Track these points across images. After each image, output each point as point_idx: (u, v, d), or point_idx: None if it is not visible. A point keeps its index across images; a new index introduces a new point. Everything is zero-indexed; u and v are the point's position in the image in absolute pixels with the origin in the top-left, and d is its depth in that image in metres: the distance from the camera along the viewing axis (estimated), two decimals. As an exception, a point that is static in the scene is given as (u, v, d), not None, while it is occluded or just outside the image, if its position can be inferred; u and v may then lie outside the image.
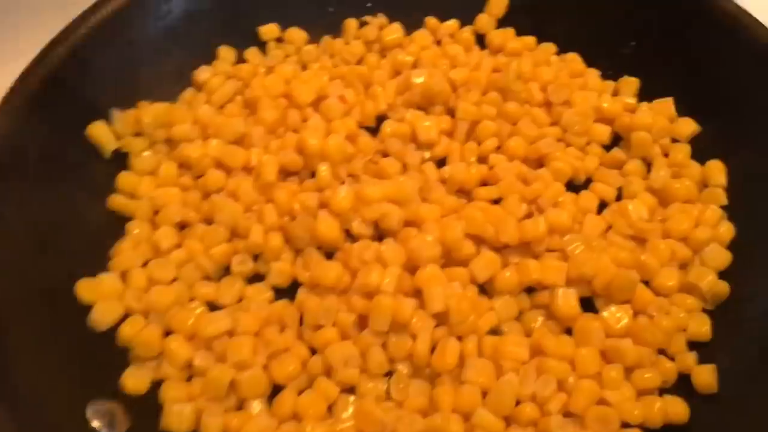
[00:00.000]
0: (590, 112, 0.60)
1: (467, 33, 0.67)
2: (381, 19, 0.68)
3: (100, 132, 0.56)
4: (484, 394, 0.45)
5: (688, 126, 0.59)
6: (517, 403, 0.45)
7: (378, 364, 0.47)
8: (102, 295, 0.49)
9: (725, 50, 0.57)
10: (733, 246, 0.53)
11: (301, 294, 0.51)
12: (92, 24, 0.56)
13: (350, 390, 0.48)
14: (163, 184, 0.56)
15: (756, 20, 0.56)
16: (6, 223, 0.47)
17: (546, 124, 0.60)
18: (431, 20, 0.67)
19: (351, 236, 0.54)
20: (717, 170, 0.56)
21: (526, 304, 0.51)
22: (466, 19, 0.67)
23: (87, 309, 0.48)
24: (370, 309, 0.48)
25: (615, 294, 0.50)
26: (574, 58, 0.64)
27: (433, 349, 0.48)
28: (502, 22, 0.68)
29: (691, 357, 0.48)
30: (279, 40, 0.66)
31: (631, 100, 0.61)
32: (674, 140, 0.59)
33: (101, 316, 0.48)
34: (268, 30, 0.65)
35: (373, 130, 0.61)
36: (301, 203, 0.54)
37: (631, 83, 0.62)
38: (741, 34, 0.56)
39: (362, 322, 0.49)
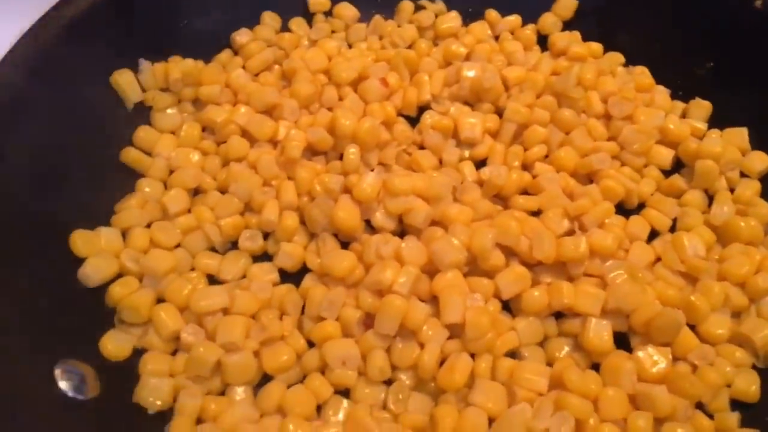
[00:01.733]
0: (653, 132, 0.55)
1: (529, 31, 0.63)
2: (439, 5, 0.64)
3: (125, 80, 0.54)
4: (491, 421, 0.40)
5: (762, 161, 0.53)
6: (526, 438, 0.40)
7: (379, 370, 0.43)
8: (98, 250, 0.46)
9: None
10: (797, 300, 0.46)
11: (308, 281, 0.48)
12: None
13: (345, 393, 0.44)
14: (183, 145, 0.54)
15: None
16: (12, 160, 0.44)
17: (602, 138, 0.55)
18: (492, 13, 0.63)
19: (371, 228, 0.50)
20: (789, 213, 0.50)
21: (553, 331, 0.46)
22: (530, 17, 0.64)
23: (79, 261, 0.45)
24: (379, 308, 0.44)
25: (655, 334, 0.45)
26: (642, 72, 0.60)
27: (441, 363, 0.43)
28: (568, 25, 0.63)
29: (733, 418, 0.43)
30: (328, 13, 0.63)
31: (701, 125, 0.56)
32: (743, 175, 0.53)
33: (93, 272, 0.46)
34: (318, 1, 0.62)
35: (414, 120, 0.57)
36: (322, 185, 0.50)
37: (703, 106, 0.57)
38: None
39: (368, 321, 0.44)
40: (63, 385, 0.39)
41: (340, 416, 0.42)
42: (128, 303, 0.45)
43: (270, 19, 0.61)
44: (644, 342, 0.45)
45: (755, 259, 0.48)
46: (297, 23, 0.62)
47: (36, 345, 0.40)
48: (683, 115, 0.57)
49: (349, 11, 0.63)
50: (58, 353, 0.40)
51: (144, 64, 0.55)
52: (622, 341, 0.45)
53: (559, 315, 0.47)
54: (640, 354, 0.43)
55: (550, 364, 0.45)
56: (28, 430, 0.35)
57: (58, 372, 0.39)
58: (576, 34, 0.62)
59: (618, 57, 0.61)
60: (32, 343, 0.39)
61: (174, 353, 0.44)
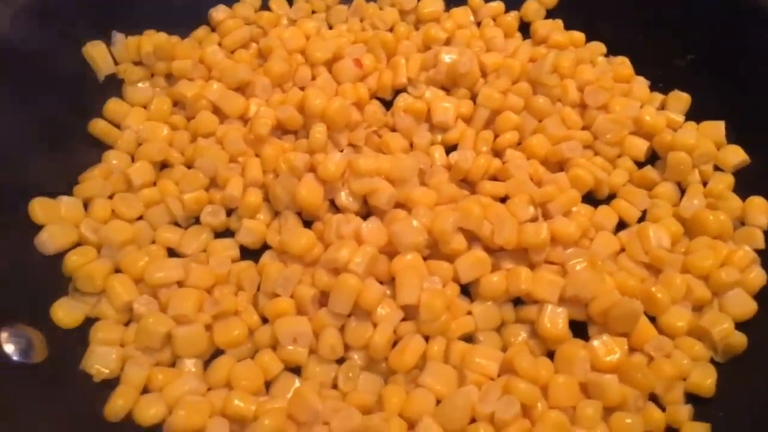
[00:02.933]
0: (628, 123, 0.54)
1: (511, 18, 0.62)
2: (421, -11, 0.63)
3: (98, 52, 0.54)
4: (438, 403, 0.40)
5: (736, 155, 0.52)
6: (472, 420, 0.40)
7: (330, 348, 0.43)
8: (57, 218, 0.46)
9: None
10: (760, 296, 0.46)
11: (266, 257, 0.48)
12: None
13: (296, 371, 0.43)
14: (153, 119, 0.54)
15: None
16: None
17: (577, 127, 0.55)
18: (474, -1, 0.62)
19: (335, 207, 0.49)
20: (759, 208, 0.49)
21: (510, 317, 0.46)
22: (514, 4, 0.63)
23: (37, 229, 0.45)
24: (333, 286, 0.43)
25: (612, 324, 0.44)
26: (623, 62, 0.59)
27: (394, 345, 0.43)
28: (552, 13, 0.63)
29: (685, 411, 0.42)
30: (310, -7, 0.63)
31: (678, 117, 0.55)
32: (717, 168, 0.53)
33: (50, 239, 0.46)
34: (300, -20, 0.62)
35: (388, 104, 0.57)
36: (288, 162, 0.50)
37: (681, 99, 0.56)
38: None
39: (323, 299, 0.44)
40: (8, 348, 0.39)
41: (288, 394, 0.42)
42: (84, 272, 0.45)
43: (250, -3, 0.61)
44: (601, 331, 0.44)
45: (721, 253, 0.47)
46: (277, 2, 0.62)
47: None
48: (662, 107, 0.57)
49: (331, -8, 0.63)
50: (6, 317, 0.40)
51: (117, 36, 0.55)
52: (581, 330, 0.45)
53: (518, 301, 0.46)
54: (595, 343, 0.43)
55: (504, 349, 0.44)
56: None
57: (4, 335, 0.39)
58: (558, 23, 0.61)
59: (599, 47, 0.60)
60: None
61: (126, 324, 0.44)
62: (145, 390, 0.41)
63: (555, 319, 0.44)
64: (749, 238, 0.48)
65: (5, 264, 0.42)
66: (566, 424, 0.40)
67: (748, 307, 0.45)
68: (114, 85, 0.54)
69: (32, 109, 0.48)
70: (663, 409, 0.42)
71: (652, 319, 0.45)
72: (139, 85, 0.55)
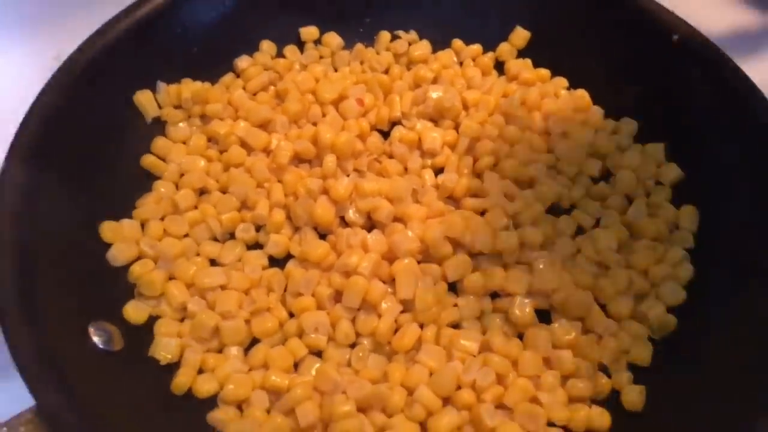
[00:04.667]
0: (585, 146, 0.64)
1: (488, 59, 0.72)
2: (412, 35, 0.74)
3: (145, 99, 0.63)
4: (431, 375, 0.51)
5: (673, 171, 0.63)
6: (458, 388, 0.50)
7: (345, 335, 0.53)
8: (121, 237, 0.57)
9: (722, 118, 0.61)
10: (688, 287, 0.56)
11: (290, 265, 0.58)
12: (154, 6, 0.64)
13: (318, 354, 0.54)
14: (192, 153, 0.63)
15: (755, 95, 0.59)
16: (56, 164, 0.55)
17: (542, 150, 0.65)
18: (457, 42, 0.73)
19: (345, 222, 0.60)
20: (689, 215, 0.60)
21: (489, 307, 0.56)
22: (490, 46, 0.73)
23: (107, 246, 0.56)
24: (345, 286, 0.54)
25: (570, 310, 0.55)
26: (582, 94, 0.69)
27: (396, 331, 0.54)
28: (522, 53, 0.73)
29: (626, 377, 0.52)
30: (317, 42, 0.73)
31: (626, 141, 0.66)
32: (658, 182, 0.63)
33: (118, 254, 0.56)
34: (309, 32, 0.72)
35: (386, 134, 0.67)
36: (305, 187, 0.60)
37: (629, 125, 0.67)
38: (740, 110, 0.60)
39: (338, 297, 0.55)
40: (95, 339, 0.49)
41: (313, 371, 0.52)
42: (145, 280, 0.55)
43: (267, 47, 0.71)
44: (561, 317, 0.55)
45: (659, 252, 0.58)
46: (290, 50, 0.72)
47: (75, 309, 0.50)
48: (614, 132, 0.67)
49: (335, 40, 0.73)
50: (91, 315, 0.51)
51: (161, 85, 0.65)
52: (545, 316, 0.56)
53: (495, 295, 0.57)
54: (556, 326, 0.54)
55: (484, 333, 0.55)
56: (67, 372, 0.45)
57: (91, 330, 0.50)
58: (528, 62, 0.72)
59: (562, 81, 0.70)
60: (73, 307, 0.50)
61: (182, 320, 0.55)
62: (200, 371, 0.52)
63: (523, 308, 0.54)
64: (681, 239, 0.59)
65: (87, 275, 0.53)
66: (532, 388, 0.50)
67: (678, 296, 0.56)
68: (159, 126, 0.64)
69: (97, 150, 0.59)
70: (609, 376, 0.53)
71: (603, 307, 0.55)
72: (180, 125, 0.65)
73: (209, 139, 0.65)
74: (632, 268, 0.57)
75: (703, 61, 0.63)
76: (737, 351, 0.51)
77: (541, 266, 0.56)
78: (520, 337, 0.54)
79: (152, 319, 0.54)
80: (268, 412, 0.50)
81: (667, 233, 0.59)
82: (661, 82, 0.66)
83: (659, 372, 0.53)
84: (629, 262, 0.57)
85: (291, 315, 0.55)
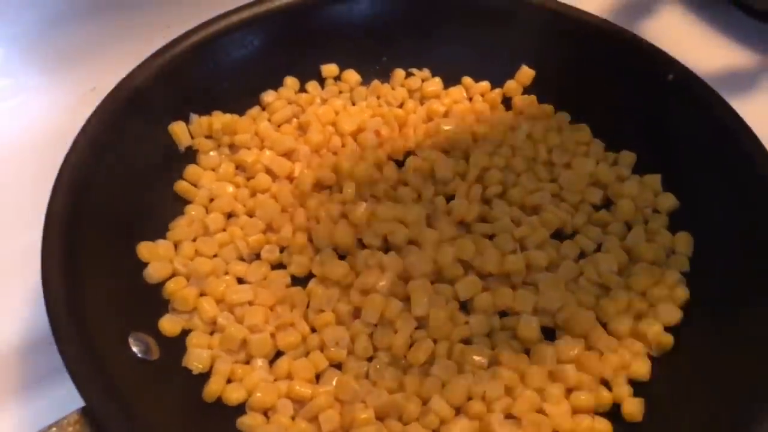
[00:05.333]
0: (586, 176, 0.69)
1: (496, 94, 0.77)
2: (425, 73, 0.79)
3: (179, 130, 0.68)
4: (443, 387, 0.54)
5: (669, 200, 0.67)
6: (469, 399, 0.54)
7: (363, 349, 0.57)
8: (157, 257, 0.61)
9: (713, 152, 0.66)
10: (684, 307, 0.60)
11: (312, 283, 0.62)
12: (189, 43, 0.69)
13: (338, 366, 0.57)
14: (221, 180, 0.68)
15: (744, 130, 0.64)
16: (101, 190, 0.59)
17: (546, 180, 0.69)
18: (467, 80, 0.78)
19: (363, 245, 0.64)
20: (684, 241, 0.64)
21: (497, 325, 0.60)
22: (498, 83, 0.78)
23: (144, 265, 0.60)
24: (364, 303, 0.58)
25: (573, 328, 0.58)
26: (583, 128, 0.73)
27: (411, 346, 0.57)
28: (527, 90, 0.78)
29: (626, 390, 0.56)
30: (337, 78, 0.78)
31: (625, 172, 0.70)
32: (655, 210, 0.67)
33: (153, 272, 0.60)
34: (329, 69, 0.77)
35: (400, 163, 0.71)
36: (326, 212, 0.65)
37: (628, 157, 0.71)
38: (730, 145, 0.64)
39: (357, 313, 0.59)
40: (135, 348, 0.53)
41: (334, 382, 0.56)
42: (179, 296, 0.59)
43: (291, 83, 0.76)
44: (565, 334, 0.59)
45: (656, 275, 0.61)
46: (312, 86, 0.76)
47: (116, 320, 0.54)
48: (614, 163, 0.72)
49: (353, 77, 0.78)
50: (130, 327, 0.55)
51: (193, 117, 0.70)
52: (550, 334, 0.60)
53: (503, 314, 0.61)
54: (560, 342, 0.58)
55: (494, 348, 0.59)
56: (111, 377, 0.49)
57: (131, 340, 0.54)
58: (533, 98, 0.76)
59: (565, 116, 0.75)
60: (114, 319, 0.54)
61: (212, 333, 0.59)
62: (229, 380, 0.56)
63: (530, 326, 0.57)
64: (677, 263, 0.63)
65: (127, 291, 0.57)
66: (538, 400, 0.54)
67: (675, 315, 0.59)
68: (191, 154, 0.69)
69: (134, 177, 0.64)
70: (610, 390, 0.56)
71: (604, 325, 0.59)
72: (210, 153, 0.69)
73: (237, 167, 0.69)
74: (631, 290, 0.61)
75: (696, 98, 0.68)
76: (731, 367, 0.55)
77: (546, 287, 0.60)
78: (527, 352, 0.58)
79: (185, 332, 0.58)
80: (293, 418, 0.54)
81: (664, 257, 0.63)
82: (658, 118, 0.71)
83: (658, 386, 0.56)
84: (629, 284, 0.61)
85: (313, 330, 0.59)
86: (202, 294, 0.60)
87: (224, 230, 0.65)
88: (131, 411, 0.48)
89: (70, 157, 0.59)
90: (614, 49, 0.74)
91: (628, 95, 0.73)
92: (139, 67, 0.67)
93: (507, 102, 0.77)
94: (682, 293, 0.61)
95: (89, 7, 0.87)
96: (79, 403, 0.47)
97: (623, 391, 0.56)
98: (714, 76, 0.74)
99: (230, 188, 0.68)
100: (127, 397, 0.49)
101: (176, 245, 0.63)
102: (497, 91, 0.78)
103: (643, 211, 0.67)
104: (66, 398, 0.49)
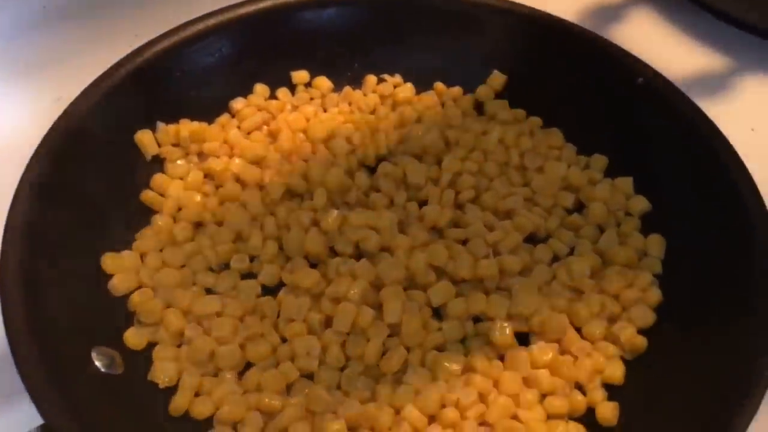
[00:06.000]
0: (559, 180, 0.69)
1: (467, 100, 0.77)
2: (397, 78, 0.79)
3: (145, 138, 0.67)
4: (416, 395, 0.54)
5: (641, 203, 0.67)
6: (443, 406, 0.53)
7: (335, 359, 0.56)
8: (122, 268, 0.60)
9: (683, 154, 0.66)
10: (657, 309, 0.60)
11: (283, 292, 0.60)
12: (156, 51, 0.68)
13: (309, 377, 0.56)
14: (189, 189, 0.67)
15: (713, 131, 0.65)
16: (64, 199, 0.58)
17: (519, 184, 0.69)
18: (439, 85, 0.78)
19: (334, 252, 0.63)
20: (657, 243, 0.64)
21: (471, 330, 0.59)
22: (469, 88, 0.78)
23: (109, 276, 0.59)
24: (336, 312, 0.57)
25: (547, 333, 0.58)
26: (555, 133, 0.73)
27: (383, 354, 0.56)
28: (499, 95, 0.78)
29: (600, 394, 0.55)
30: (308, 85, 0.77)
31: (597, 175, 0.70)
32: (627, 213, 0.67)
33: (119, 284, 0.58)
34: (300, 75, 0.77)
35: (373, 169, 0.71)
36: (297, 219, 0.64)
37: (600, 160, 0.71)
38: (700, 147, 0.65)
39: (328, 322, 0.58)
40: (98, 363, 0.52)
41: (305, 393, 0.55)
42: (145, 308, 0.57)
43: (261, 90, 0.75)
44: (539, 339, 0.58)
45: (629, 278, 0.61)
46: (282, 92, 0.75)
47: (79, 334, 0.53)
48: (586, 167, 0.72)
49: (324, 83, 0.77)
50: (94, 341, 0.53)
51: (160, 125, 0.69)
52: (524, 339, 0.59)
53: (477, 319, 0.60)
54: (534, 347, 0.57)
55: (467, 355, 0.58)
56: (73, 393, 0.48)
57: (94, 354, 0.52)
58: (504, 102, 0.76)
59: (537, 120, 0.75)
60: (76, 333, 0.53)
61: (179, 346, 0.57)
62: (197, 393, 0.54)
63: (504, 331, 0.57)
64: (650, 265, 0.63)
65: (90, 303, 0.56)
66: (512, 405, 0.53)
67: (648, 318, 0.59)
68: (158, 163, 0.68)
69: (100, 186, 0.62)
70: (585, 394, 0.56)
71: (578, 330, 0.59)
72: (178, 162, 0.68)
73: (206, 176, 0.68)
74: (605, 293, 0.61)
75: (666, 102, 0.68)
76: (704, 369, 0.55)
77: (519, 292, 0.59)
78: (501, 358, 0.57)
79: (151, 345, 0.57)
80: (263, 431, 0.52)
81: (637, 260, 0.63)
82: (628, 122, 0.71)
83: (632, 390, 0.56)
84: (602, 287, 0.61)
85: (283, 340, 0.58)
86: (168, 306, 0.59)
87: (192, 240, 0.64)
88: (94, 429, 0.46)
89: (31, 165, 0.58)
90: (585, 53, 0.74)
91: (599, 99, 0.73)
92: (106, 73, 0.66)
93: (479, 107, 0.77)
94: (655, 296, 0.61)
95: (54, 15, 0.86)
96: (40, 421, 0.45)
97: (597, 395, 0.55)
98: (684, 80, 0.75)
99: (198, 197, 0.66)
100: (89, 414, 0.47)
101: (142, 256, 0.62)
102: (469, 96, 0.77)
103: (616, 214, 0.67)
104: (28, 415, 0.48)
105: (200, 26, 0.72)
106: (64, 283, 0.55)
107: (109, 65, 0.66)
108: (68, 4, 0.82)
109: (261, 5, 0.75)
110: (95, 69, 0.66)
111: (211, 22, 0.72)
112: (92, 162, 0.62)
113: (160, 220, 0.65)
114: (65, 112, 0.62)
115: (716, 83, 0.87)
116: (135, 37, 0.74)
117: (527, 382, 0.55)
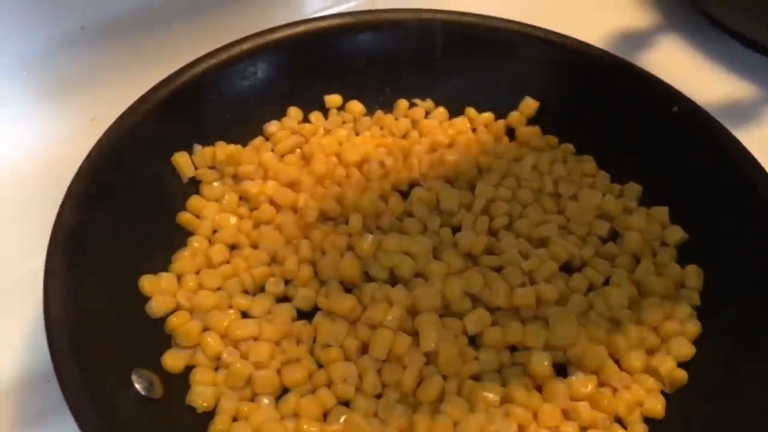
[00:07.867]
0: (593, 208, 0.68)
1: (499, 126, 0.77)
2: (428, 103, 0.79)
3: (182, 160, 0.68)
4: (455, 426, 0.53)
5: (677, 233, 0.67)
6: (481, 438, 0.53)
7: (372, 386, 0.56)
8: (159, 290, 0.60)
9: (719, 183, 0.66)
10: (696, 342, 0.59)
11: (318, 317, 0.60)
12: (193, 74, 0.69)
13: (345, 404, 0.56)
14: (224, 211, 0.67)
15: (749, 161, 0.64)
16: (103, 220, 0.58)
17: (553, 212, 0.69)
18: (470, 110, 0.78)
19: (369, 277, 0.63)
20: (694, 274, 0.63)
21: (508, 360, 0.59)
22: (501, 114, 0.78)
23: (146, 299, 0.59)
24: (372, 339, 0.57)
25: (585, 364, 0.57)
26: (588, 159, 0.73)
27: (420, 383, 0.56)
28: (531, 121, 0.78)
29: (642, 428, 0.55)
30: (340, 108, 0.78)
31: (632, 204, 0.70)
32: (663, 243, 0.67)
33: (156, 306, 0.58)
34: (333, 99, 0.77)
35: (405, 194, 0.71)
36: (331, 243, 0.64)
37: (634, 189, 0.71)
38: (736, 176, 0.64)
39: (364, 348, 0.58)
40: (138, 386, 0.52)
41: (342, 420, 0.55)
42: (182, 330, 0.57)
43: (294, 113, 0.75)
44: (577, 370, 0.58)
45: (667, 309, 0.61)
46: (315, 116, 0.76)
47: (118, 357, 0.52)
48: (620, 195, 0.71)
49: (357, 107, 0.78)
50: (133, 363, 0.53)
51: (197, 148, 0.69)
52: (561, 370, 0.58)
53: (513, 348, 0.60)
54: (573, 378, 0.56)
55: (504, 385, 0.57)
56: (114, 416, 0.48)
57: (134, 377, 0.52)
58: (536, 129, 0.76)
59: (569, 147, 0.75)
60: (115, 356, 0.52)
61: (216, 369, 0.57)
62: (235, 418, 0.54)
63: (541, 362, 0.56)
64: (688, 297, 0.62)
65: (130, 326, 0.56)
66: (552, 438, 0.53)
67: (687, 350, 0.58)
68: (194, 185, 0.68)
69: (138, 208, 0.63)
70: (625, 428, 0.55)
71: (616, 361, 0.58)
72: (213, 184, 0.68)
73: (241, 198, 0.69)
74: (643, 324, 0.60)
75: (701, 130, 0.68)
76: (745, 402, 0.54)
77: (556, 322, 0.59)
78: (539, 389, 0.57)
79: (189, 368, 0.56)
80: (300, 458, 0.52)
81: (674, 291, 0.63)
82: (663, 149, 0.71)
83: (672, 424, 0.55)
84: (640, 319, 0.60)
85: (320, 366, 0.57)
86: (205, 329, 0.59)
87: (228, 262, 0.64)
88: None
89: (72, 188, 0.58)
90: (617, 80, 0.74)
91: (632, 127, 0.73)
92: (143, 97, 0.66)
93: (511, 133, 0.77)
94: (694, 328, 0.60)
95: (89, 36, 0.87)
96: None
97: (639, 429, 0.55)
98: (712, 107, 0.74)
99: (233, 219, 0.67)
100: (130, 437, 0.47)
101: (179, 278, 0.62)
102: (501, 122, 0.78)
103: (651, 244, 0.67)
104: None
105: (236, 50, 0.72)
106: (104, 304, 0.55)
107: (143, 87, 0.67)
108: (106, 27, 0.82)
109: (296, 30, 0.75)
110: (130, 89, 0.67)
111: (247, 46, 0.73)
112: (130, 184, 0.63)
113: (196, 242, 0.65)
114: (104, 134, 0.63)
115: (744, 111, 0.87)
116: (169, 59, 0.74)
117: (567, 414, 0.54)
